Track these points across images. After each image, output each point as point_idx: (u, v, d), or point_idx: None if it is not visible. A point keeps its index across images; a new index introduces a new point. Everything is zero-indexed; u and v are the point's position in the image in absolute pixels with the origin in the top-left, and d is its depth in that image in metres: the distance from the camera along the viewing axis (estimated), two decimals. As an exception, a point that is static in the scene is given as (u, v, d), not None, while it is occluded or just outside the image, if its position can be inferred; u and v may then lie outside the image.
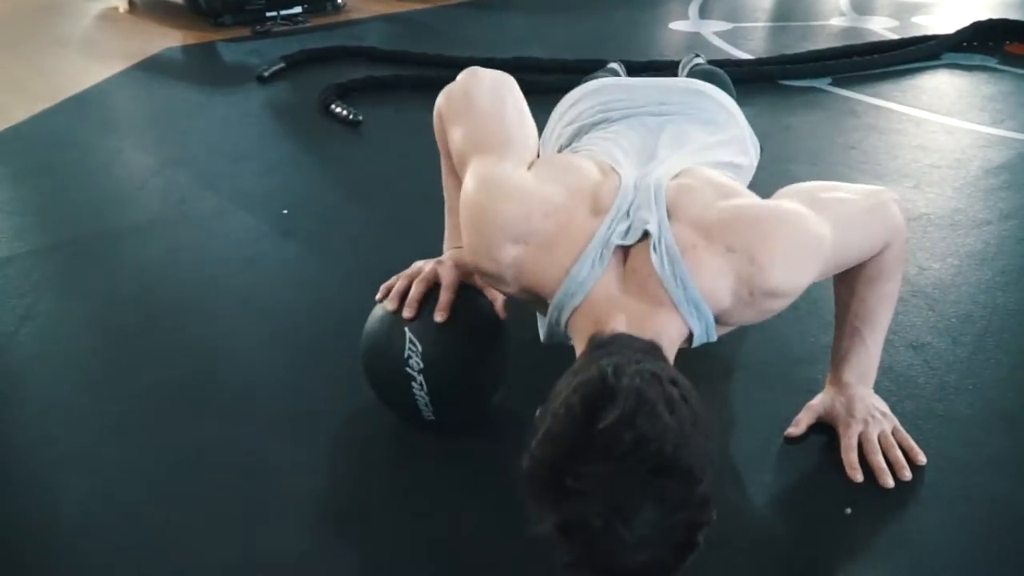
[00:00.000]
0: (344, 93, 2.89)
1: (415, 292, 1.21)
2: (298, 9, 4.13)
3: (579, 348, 1.00)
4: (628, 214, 1.04)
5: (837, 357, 1.27)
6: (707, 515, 0.80)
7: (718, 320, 1.04)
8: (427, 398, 1.20)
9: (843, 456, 1.21)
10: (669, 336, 1.00)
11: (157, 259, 1.87)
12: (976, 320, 1.55)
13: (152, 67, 3.46)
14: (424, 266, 1.25)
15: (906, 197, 2.07)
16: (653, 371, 0.83)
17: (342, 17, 4.31)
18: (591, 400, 0.79)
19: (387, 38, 3.86)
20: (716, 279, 1.00)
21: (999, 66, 3.19)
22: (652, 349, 0.94)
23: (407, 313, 1.19)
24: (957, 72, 3.15)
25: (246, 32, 3.93)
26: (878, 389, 1.33)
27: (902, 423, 1.26)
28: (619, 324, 0.98)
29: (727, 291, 1.01)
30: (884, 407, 1.26)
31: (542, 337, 1.12)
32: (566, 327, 1.05)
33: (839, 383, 1.27)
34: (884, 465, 1.18)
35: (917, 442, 1.23)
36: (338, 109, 2.72)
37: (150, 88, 3.23)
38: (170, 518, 1.15)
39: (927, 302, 1.61)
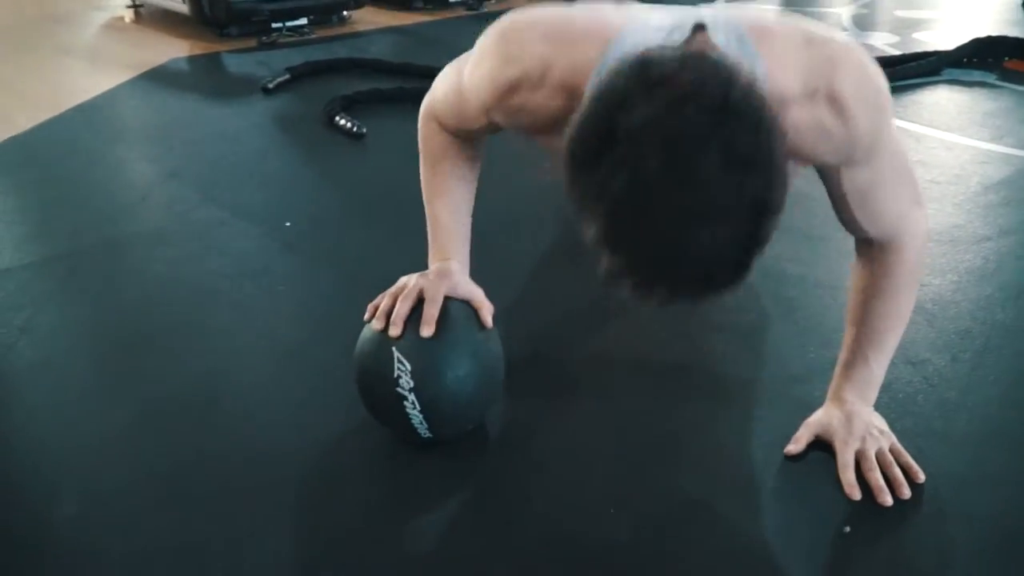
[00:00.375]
0: (348, 105, 2.91)
1: (400, 310, 1.19)
2: (304, 21, 4.16)
3: None
4: (670, 18, 0.94)
5: (839, 373, 1.27)
6: (780, 199, 0.72)
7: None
8: (420, 416, 1.19)
9: (840, 474, 1.20)
10: None
11: (159, 271, 1.88)
12: (975, 336, 1.55)
13: (157, 77, 3.48)
14: (409, 281, 1.23)
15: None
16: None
17: (347, 29, 4.34)
18: (647, 54, 0.73)
19: (392, 50, 3.88)
20: (788, 58, 0.92)
21: (998, 82, 3.20)
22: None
23: (393, 331, 1.18)
24: (957, 88, 3.16)
25: (252, 43, 3.95)
26: (877, 405, 1.33)
27: (901, 440, 1.27)
28: None
29: (798, 76, 0.92)
30: (883, 424, 1.26)
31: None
32: None
33: (838, 399, 1.27)
34: (882, 483, 1.18)
35: (916, 459, 1.23)
36: (342, 121, 2.74)
37: (155, 98, 3.25)
38: (165, 533, 1.15)
39: (926, 318, 1.61)
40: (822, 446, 1.26)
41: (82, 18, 4.82)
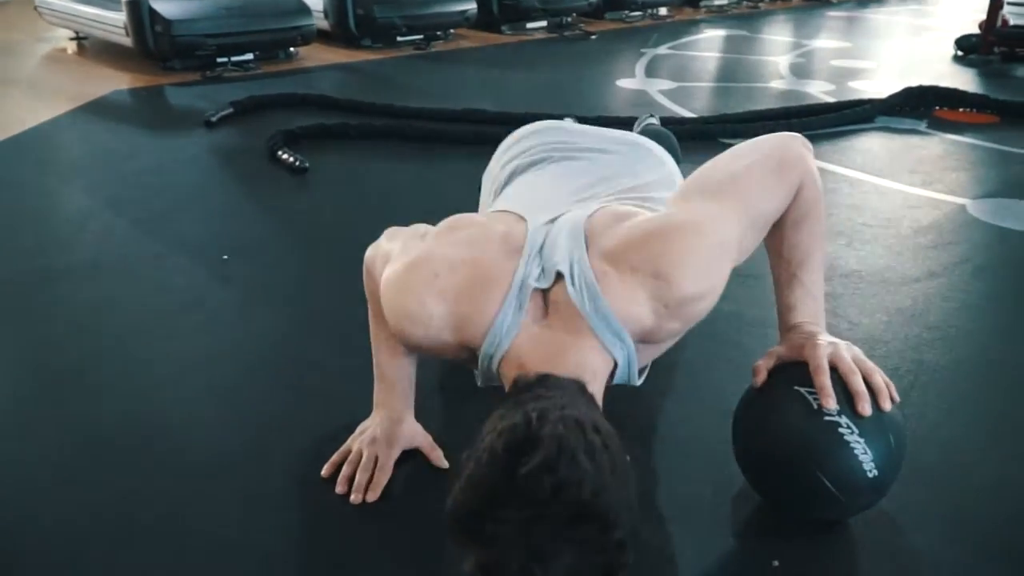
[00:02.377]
0: (292, 140, 2.90)
1: (360, 479, 1.26)
2: (250, 56, 4.15)
3: (508, 388, 1.01)
4: (540, 252, 1.08)
5: (782, 307, 1.23)
6: (624, 559, 0.80)
7: (645, 340, 1.06)
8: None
9: (813, 377, 1.09)
10: (593, 369, 1.03)
11: (90, 305, 1.83)
12: (903, 375, 1.59)
13: (97, 109, 3.43)
14: (363, 446, 1.29)
15: (839, 254, 2.12)
16: (576, 418, 0.84)
17: (294, 65, 4.34)
18: (514, 446, 0.80)
19: (338, 87, 3.89)
20: (631, 302, 1.03)
21: (928, 130, 3.32)
22: (578, 389, 0.95)
23: (355, 498, 1.24)
24: (889, 135, 3.27)
25: (196, 77, 3.93)
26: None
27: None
28: (544, 364, 1.00)
29: (645, 310, 1.04)
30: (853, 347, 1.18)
31: (479, 382, 1.12)
32: (498, 372, 1.07)
33: (792, 328, 1.20)
34: (863, 389, 1.08)
35: (844, 495, 1.24)
36: (285, 156, 2.72)
37: (94, 130, 3.20)
38: (94, 570, 1.11)
39: (857, 357, 1.64)
40: (747, 488, 1.25)
41: (24, 49, 4.75)
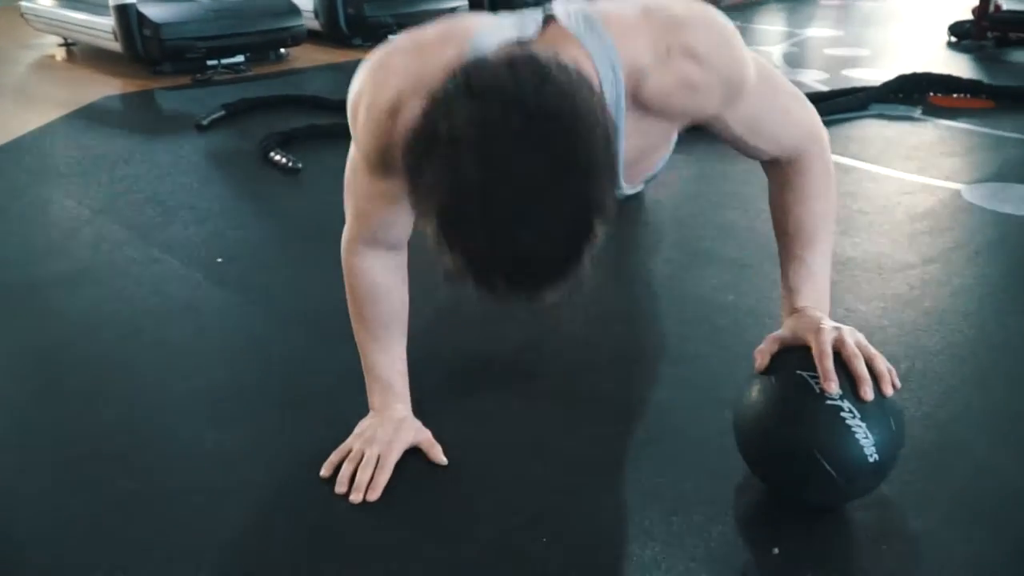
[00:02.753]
0: (284, 141, 2.89)
1: (361, 479, 1.23)
2: (240, 58, 4.14)
3: None
4: (521, 15, 1.01)
5: (787, 288, 1.22)
6: (601, 196, 0.74)
7: (636, 94, 0.99)
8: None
9: (817, 362, 1.08)
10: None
11: (83, 310, 1.83)
12: (900, 360, 1.58)
13: (88, 115, 3.42)
14: (365, 445, 1.27)
15: (835, 242, 2.11)
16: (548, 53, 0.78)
17: (285, 66, 4.33)
18: (475, 58, 0.77)
19: (330, 87, 3.88)
20: (633, 30, 0.97)
21: (923, 116, 3.31)
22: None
23: (355, 498, 1.22)
24: (884, 122, 3.26)
25: (186, 81, 3.92)
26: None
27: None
28: None
29: (646, 42, 0.97)
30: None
31: None
32: None
33: (796, 311, 1.19)
34: (866, 373, 1.07)
35: (844, 482, 1.24)
36: (277, 157, 2.71)
37: (85, 136, 3.19)
38: (85, 572, 1.10)
39: (854, 344, 1.64)
40: (749, 474, 1.25)
41: (12, 56, 4.73)
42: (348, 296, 1.32)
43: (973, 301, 1.83)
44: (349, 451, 1.29)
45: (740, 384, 1.25)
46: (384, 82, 1.02)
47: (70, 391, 1.53)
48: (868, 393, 1.07)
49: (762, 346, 1.18)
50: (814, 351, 1.10)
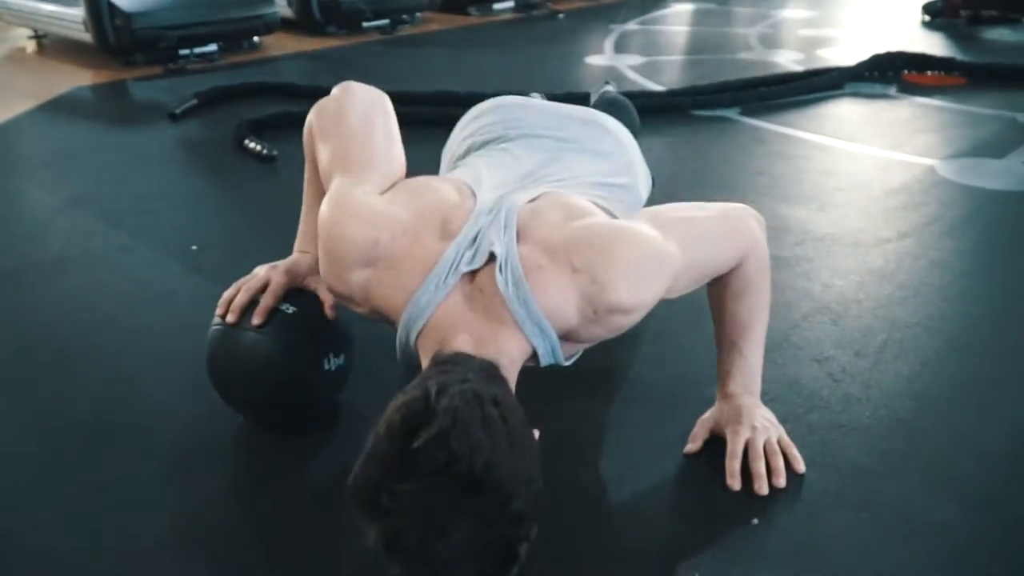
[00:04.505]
0: (258, 129, 2.86)
1: (239, 299, 1.26)
2: (213, 47, 4.09)
3: (424, 366, 1.03)
4: (475, 240, 1.07)
5: (721, 372, 1.30)
6: (524, 530, 0.83)
7: (567, 338, 1.07)
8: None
9: (726, 463, 1.22)
10: (510, 355, 1.03)
11: (58, 299, 1.81)
12: (877, 333, 1.59)
13: (59, 106, 3.38)
14: (259, 272, 1.30)
15: (811, 218, 2.13)
16: (476, 391, 0.86)
17: (258, 55, 4.29)
18: (410, 419, 0.83)
19: (304, 74, 3.85)
20: (560, 299, 1.04)
21: (897, 94, 3.33)
22: (489, 368, 0.96)
23: (230, 318, 1.25)
24: (859, 101, 3.28)
25: (159, 70, 3.87)
26: (785, 402, 1.36)
27: (807, 434, 1.29)
28: (461, 343, 1.01)
29: (573, 309, 1.04)
30: (772, 417, 1.28)
31: (398, 356, 1.12)
32: (415, 347, 1.07)
33: (726, 396, 1.29)
34: (762, 472, 1.20)
35: (821, 452, 1.25)
36: (252, 144, 2.69)
37: (57, 127, 3.15)
38: (67, 560, 1.09)
39: (831, 317, 1.65)
40: (721, 442, 1.26)
41: (-19, 49, 4.66)
42: (306, 152, 1.34)
43: (947, 274, 1.85)
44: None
45: (714, 360, 1.27)
46: (338, 277, 1.10)
47: (47, 379, 1.51)
48: (762, 489, 1.18)
49: (695, 430, 1.29)
50: (727, 451, 1.22)
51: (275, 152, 2.64)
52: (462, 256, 1.06)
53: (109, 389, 1.48)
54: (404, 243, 1.07)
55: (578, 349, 1.15)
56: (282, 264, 1.31)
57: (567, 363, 1.13)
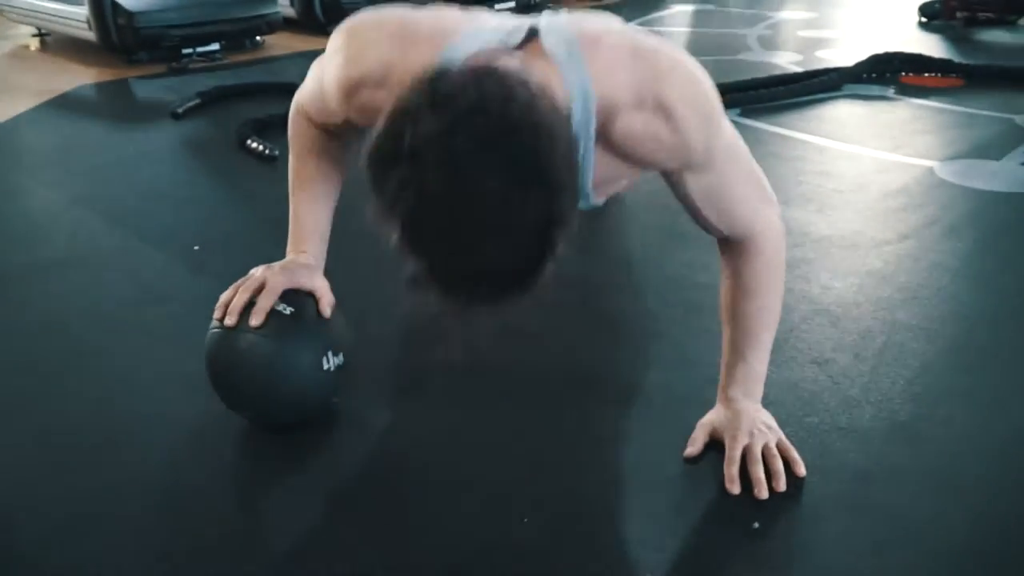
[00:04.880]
0: (261, 128, 2.86)
1: (237, 301, 1.25)
2: (215, 46, 4.10)
3: None
4: (499, 26, 1.02)
5: (723, 374, 1.30)
6: (562, 210, 0.75)
7: (606, 135, 1.00)
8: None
9: (724, 468, 1.21)
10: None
11: (61, 298, 1.81)
12: (876, 335, 1.60)
13: (63, 104, 3.38)
14: (255, 273, 1.28)
15: (810, 220, 2.14)
16: (512, 67, 0.79)
17: (261, 54, 4.30)
18: (438, 73, 0.77)
19: (306, 74, 3.85)
20: (615, 70, 0.98)
21: (896, 95, 3.34)
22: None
23: (228, 321, 1.24)
24: (857, 102, 3.29)
25: (162, 69, 3.88)
26: (784, 405, 1.37)
27: (807, 437, 1.30)
28: None
29: (625, 86, 0.98)
30: (770, 420, 1.28)
31: None
32: None
33: (726, 399, 1.29)
34: (761, 477, 1.19)
35: (821, 455, 1.26)
36: (254, 144, 2.70)
37: (60, 125, 3.16)
38: (65, 566, 1.10)
39: (830, 320, 1.66)
40: (720, 444, 1.27)
41: (-17, 46, 4.67)
42: (291, 148, 1.34)
43: (947, 276, 1.86)
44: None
45: (718, 361, 1.28)
46: (355, 59, 1.06)
47: (48, 379, 1.52)
48: (762, 494, 1.18)
49: (696, 433, 1.28)
50: (726, 456, 1.22)
51: (276, 152, 2.64)
52: (496, 31, 0.99)
53: (109, 391, 1.48)
54: (428, 24, 1.02)
55: (603, 180, 1.08)
56: (278, 264, 1.31)
57: (599, 201, 1.10)
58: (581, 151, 0.97)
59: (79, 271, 1.94)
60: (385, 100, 0.95)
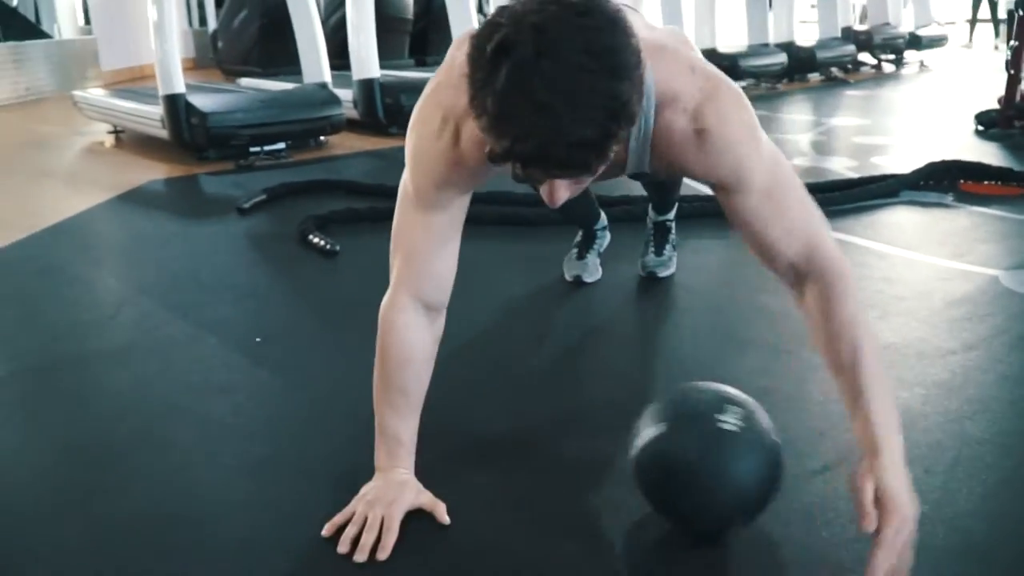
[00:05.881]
0: (323, 224, 2.95)
1: (366, 540, 1.24)
2: (282, 145, 4.26)
3: None
4: None
5: (858, 428, 1.15)
6: (629, 96, 0.90)
7: (662, 119, 1.14)
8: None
9: (870, 559, 1.07)
10: None
11: (123, 388, 1.85)
12: (947, 449, 1.55)
13: (134, 198, 3.53)
14: (368, 508, 1.28)
15: (873, 327, 2.10)
16: None
17: (324, 153, 4.45)
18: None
19: (367, 172, 3.98)
20: (674, 74, 1.14)
21: (955, 203, 3.32)
22: None
23: (359, 557, 1.22)
24: (916, 209, 3.27)
25: (230, 166, 4.03)
26: (853, 519, 1.31)
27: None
28: None
29: (680, 87, 1.13)
30: (915, 511, 1.13)
31: None
32: None
33: (875, 454, 1.13)
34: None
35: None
36: (316, 239, 2.77)
37: (130, 218, 3.28)
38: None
39: (897, 431, 1.61)
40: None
41: (64, 143, 4.92)
42: (377, 356, 1.35)
43: (1017, 388, 1.80)
44: (353, 514, 1.30)
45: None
46: (429, 116, 1.21)
47: (110, 466, 1.53)
48: None
49: (862, 500, 1.09)
50: (871, 562, 1.07)
51: (338, 247, 2.71)
52: None
53: (168, 482, 1.49)
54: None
55: (661, 161, 1.21)
56: (383, 496, 1.30)
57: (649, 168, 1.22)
58: (641, 128, 1.14)
59: (141, 361, 1.98)
60: (469, 133, 1.16)
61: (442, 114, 1.18)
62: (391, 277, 1.35)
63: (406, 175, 1.31)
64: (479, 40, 0.91)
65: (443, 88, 1.18)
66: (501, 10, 0.91)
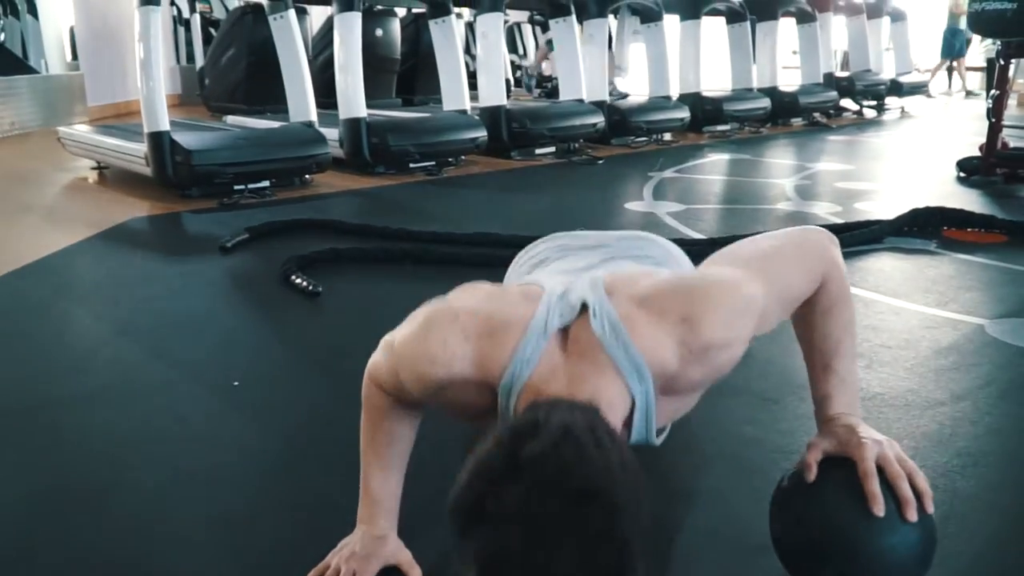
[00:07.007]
0: (305, 264, 2.91)
1: None
2: (266, 183, 4.24)
3: None
4: (561, 299, 1.12)
5: (819, 395, 1.26)
6: (632, 559, 0.79)
7: (667, 387, 1.09)
8: None
9: (864, 484, 1.09)
10: (609, 399, 1.03)
11: (95, 433, 1.80)
12: (937, 505, 1.49)
13: (115, 236, 3.49)
14: (341, 562, 1.26)
15: (860, 376, 2.08)
16: (586, 417, 0.85)
17: (309, 191, 4.43)
18: (520, 430, 0.82)
19: (352, 212, 3.96)
20: (656, 341, 1.07)
21: (939, 250, 3.33)
22: (591, 406, 0.94)
23: None
24: (900, 255, 3.28)
25: (213, 204, 4.00)
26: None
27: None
28: (559, 388, 1.03)
29: (670, 352, 1.07)
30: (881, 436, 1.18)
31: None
32: (515, 409, 1.07)
33: (831, 419, 1.22)
34: (911, 495, 1.10)
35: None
36: (298, 280, 2.73)
37: (111, 256, 3.24)
38: None
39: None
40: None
41: (46, 179, 4.88)
42: (363, 408, 1.32)
43: (1008, 440, 1.78)
44: (327, 567, 1.27)
45: (767, 525, 1.21)
46: (438, 360, 1.10)
47: (84, 509, 1.48)
48: (912, 515, 1.10)
49: (808, 457, 1.18)
50: (860, 471, 1.12)
51: (320, 288, 2.68)
52: (552, 313, 1.10)
53: (137, 530, 1.44)
54: (486, 314, 1.11)
55: (672, 413, 1.17)
56: (359, 551, 1.27)
57: (657, 441, 1.12)
58: (644, 421, 1.08)
59: (116, 404, 1.93)
60: (468, 399, 1.12)
61: (446, 370, 1.10)
62: (381, 352, 1.27)
63: (393, 350, 1.20)
64: (463, 506, 0.81)
65: (461, 334, 1.10)
66: (486, 478, 0.81)
